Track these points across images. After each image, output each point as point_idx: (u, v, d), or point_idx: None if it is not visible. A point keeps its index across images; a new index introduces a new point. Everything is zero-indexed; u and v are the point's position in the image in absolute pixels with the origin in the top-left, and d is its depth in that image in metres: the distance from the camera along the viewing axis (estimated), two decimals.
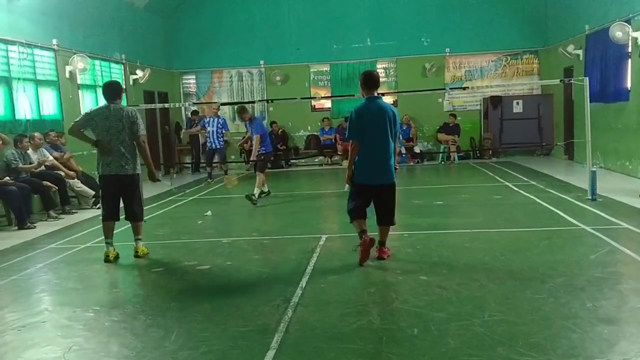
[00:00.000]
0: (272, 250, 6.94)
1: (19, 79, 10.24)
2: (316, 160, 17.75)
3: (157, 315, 4.67)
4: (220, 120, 14.01)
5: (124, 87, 6.78)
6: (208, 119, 14.23)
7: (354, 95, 13.88)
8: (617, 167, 12.19)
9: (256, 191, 10.45)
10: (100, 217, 6.80)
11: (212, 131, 13.81)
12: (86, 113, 6.72)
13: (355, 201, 5.98)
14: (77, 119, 6.64)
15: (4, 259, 6.94)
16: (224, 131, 14.06)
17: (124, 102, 14.08)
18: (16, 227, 8.96)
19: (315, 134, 17.85)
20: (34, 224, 9.10)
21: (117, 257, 6.56)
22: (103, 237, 6.62)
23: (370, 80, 5.90)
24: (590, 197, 8.90)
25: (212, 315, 4.62)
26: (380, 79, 18.04)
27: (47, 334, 4.44)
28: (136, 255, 6.62)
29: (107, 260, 6.46)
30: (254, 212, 9.97)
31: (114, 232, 6.70)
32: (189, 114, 17.72)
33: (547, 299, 4.58)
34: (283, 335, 4.07)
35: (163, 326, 4.42)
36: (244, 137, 12.35)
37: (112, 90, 6.63)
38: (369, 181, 5.85)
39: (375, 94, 5.92)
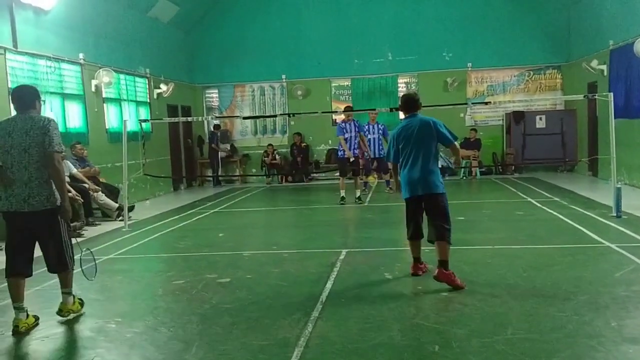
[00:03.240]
0: (292, 264, 6.93)
1: (46, 92, 10.43)
2: (336, 174, 17.71)
3: (178, 328, 4.70)
4: (380, 126, 13.33)
5: (39, 92, 5.06)
6: (367, 126, 13.28)
7: (374, 110, 13.87)
8: None
9: (357, 192, 11.88)
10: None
11: (374, 139, 13.14)
12: None
13: (406, 219, 6.01)
14: None
15: None
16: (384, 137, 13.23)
17: (144, 114, 14.57)
18: None
19: (336, 148, 17.82)
20: (81, 232, 9.36)
21: (34, 324, 4.83)
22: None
23: (404, 104, 6.13)
24: (614, 214, 8.77)
25: (232, 328, 4.62)
26: (402, 93, 18.03)
27: (69, 345, 4.48)
28: (59, 314, 4.97)
29: (16, 332, 4.67)
30: (274, 226, 10.00)
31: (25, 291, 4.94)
32: (212, 128, 17.90)
33: (571, 317, 4.51)
34: (303, 350, 4.07)
35: (183, 339, 4.44)
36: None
37: (20, 97, 4.87)
38: (410, 193, 5.81)
39: (416, 113, 6.04)
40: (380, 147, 13.15)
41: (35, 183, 4.69)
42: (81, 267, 5.45)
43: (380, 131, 13.20)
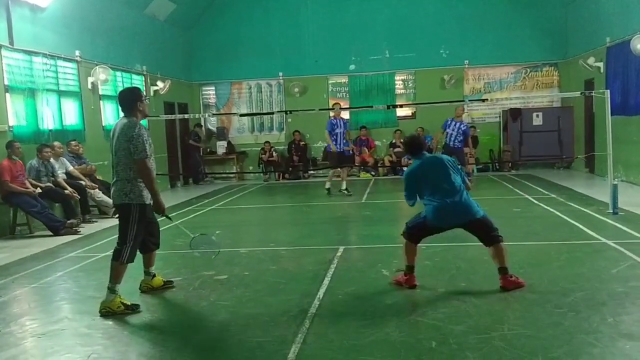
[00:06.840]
0: (289, 260, 6.93)
1: (42, 89, 10.40)
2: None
3: (175, 325, 4.70)
4: (463, 125, 13.06)
5: (140, 93, 5.57)
6: (450, 121, 13.01)
7: (372, 107, 13.83)
8: (639, 181, 12.03)
9: (343, 184, 12.56)
10: None
11: (452, 134, 12.95)
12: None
13: (418, 231, 5.68)
14: None
15: (25, 267, 7.03)
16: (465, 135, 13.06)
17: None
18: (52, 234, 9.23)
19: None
20: (79, 229, 9.48)
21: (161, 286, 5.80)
22: None
23: (414, 146, 5.53)
24: (611, 211, 8.79)
25: (230, 325, 4.62)
26: (399, 91, 18.06)
27: (66, 341, 4.48)
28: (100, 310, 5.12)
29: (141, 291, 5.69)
30: (271, 223, 9.98)
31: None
32: (209, 127, 17.91)
33: (568, 313, 4.52)
34: (300, 347, 4.07)
35: (181, 335, 4.44)
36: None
37: (120, 101, 5.56)
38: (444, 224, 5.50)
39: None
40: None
41: (121, 180, 5.21)
42: (191, 247, 5.95)
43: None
